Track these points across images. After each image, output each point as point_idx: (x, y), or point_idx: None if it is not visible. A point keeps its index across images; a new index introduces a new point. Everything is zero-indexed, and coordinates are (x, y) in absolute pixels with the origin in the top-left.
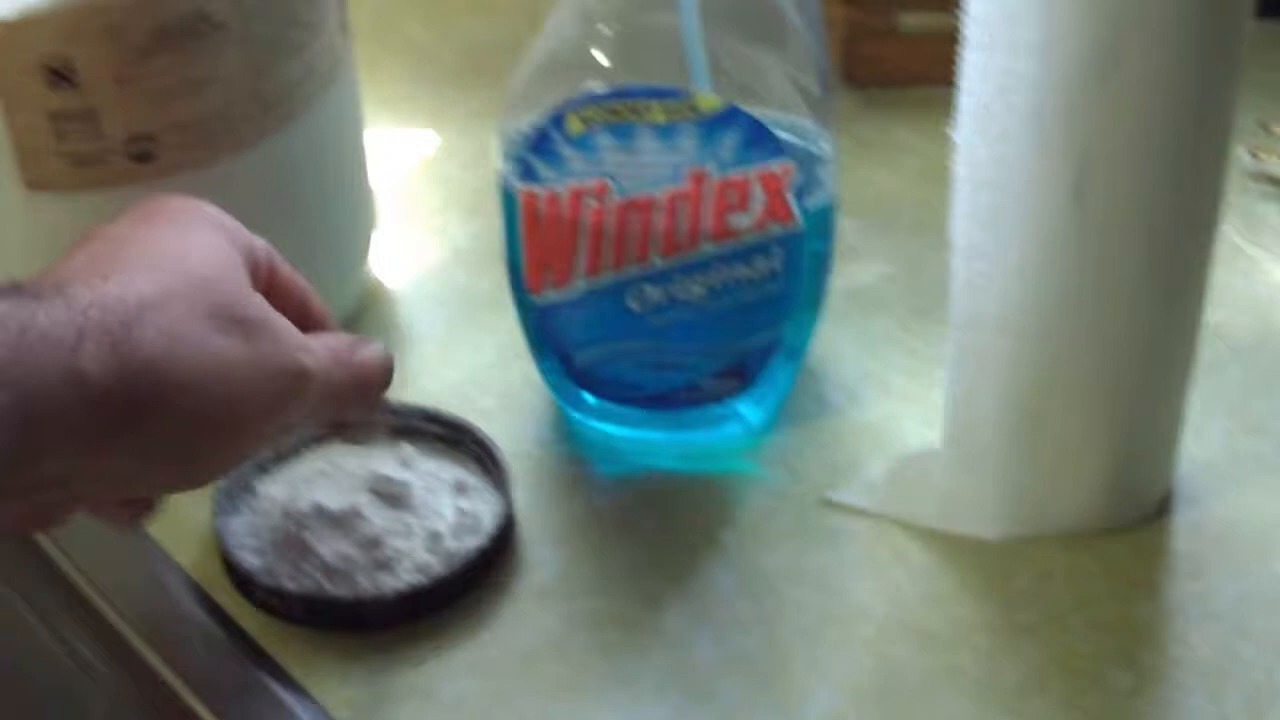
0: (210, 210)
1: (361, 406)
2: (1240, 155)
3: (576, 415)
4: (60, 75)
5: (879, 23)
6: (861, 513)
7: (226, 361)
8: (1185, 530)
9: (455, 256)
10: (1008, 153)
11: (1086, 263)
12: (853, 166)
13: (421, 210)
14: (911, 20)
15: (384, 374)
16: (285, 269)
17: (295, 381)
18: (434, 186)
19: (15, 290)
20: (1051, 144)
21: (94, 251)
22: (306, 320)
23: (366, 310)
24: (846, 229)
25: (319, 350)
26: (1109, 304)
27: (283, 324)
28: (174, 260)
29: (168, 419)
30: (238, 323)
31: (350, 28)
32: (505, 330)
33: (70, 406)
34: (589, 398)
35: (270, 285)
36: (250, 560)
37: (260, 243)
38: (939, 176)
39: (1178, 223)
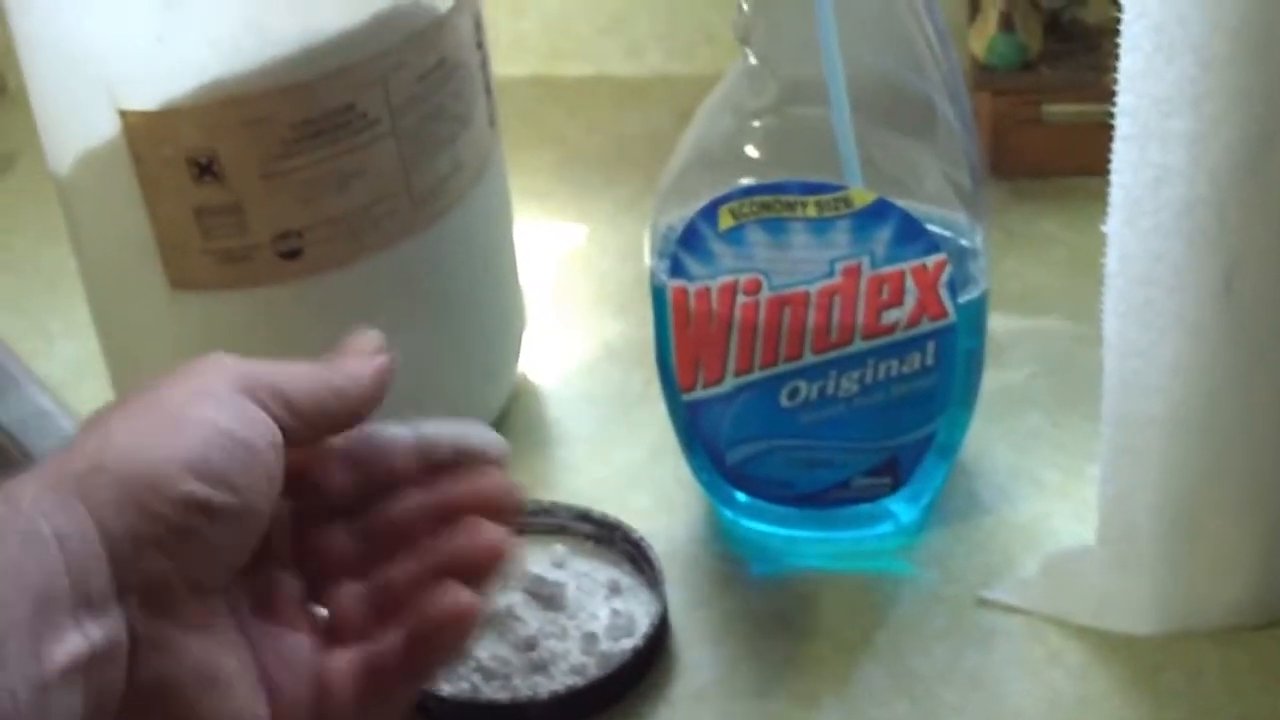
0: (227, 358)
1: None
2: None
3: (728, 513)
4: (204, 169)
5: (1025, 113)
6: (1016, 611)
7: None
8: None
9: (606, 353)
10: (1159, 246)
11: (1239, 357)
12: (999, 259)
13: (571, 306)
14: (1056, 110)
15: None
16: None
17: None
18: (584, 282)
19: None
20: (1203, 237)
21: (98, 422)
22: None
23: (516, 409)
24: (993, 323)
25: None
26: (1262, 397)
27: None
28: (157, 406)
29: (191, 551)
30: (172, 411)
31: (499, 121)
32: (656, 428)
33: (46, 572)
34: (740, 496)
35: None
36: None
37: (264, 389)
38: (1087, 268)
39: None
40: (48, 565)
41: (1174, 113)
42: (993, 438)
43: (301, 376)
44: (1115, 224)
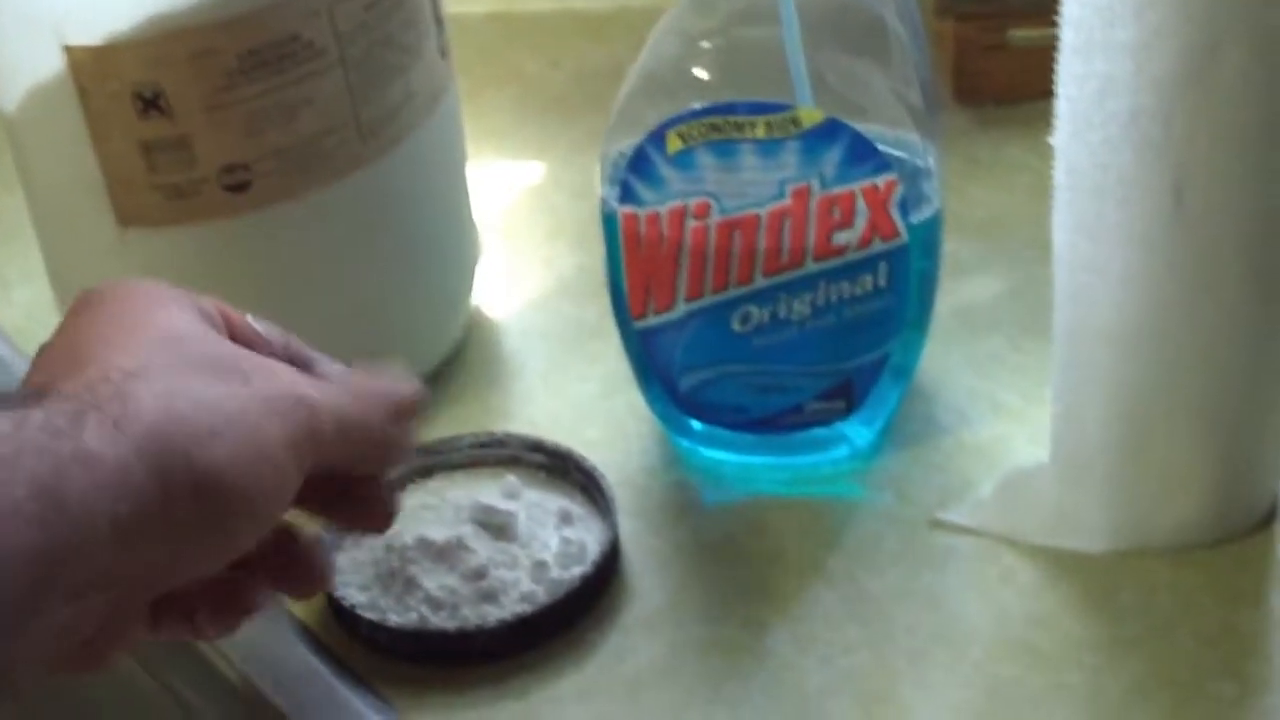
0: (147, 285)
1: (394, 439)
2: None
3: (682, 442)
4: (150, 103)
5: (990, 38)
6: (970, 532)
7: (230, 406)
8: None
9: (561, 287)
10: (1107, 159)
11: (1188, 268)
12: (964, 185)
13: (527, 241)
14: (1021, 35)
15: (413, 401)
16: (249, 324)
17: (305, 412)
18: (540, 217)
19: (63, 411)
20: (1150, 148)
21: (52, 357)
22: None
23: (470, 342)
24: (958, 248)
25: (322, 384)
26: (1212, 310)
27: (273, 363)
28: (139, 333)
29: (186, 483)
30: (227, 369)
31: (451, 52)
32: (610, 360)
33: (87, 493)
34: (694, 424)
35: (234, 339)
36: (354, 596)
37: (208, 304)
38: (1051, 193)
39: (1275, 226)
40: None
41: (1117, 22)
42: (953, 361)
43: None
44: (1062, 137)
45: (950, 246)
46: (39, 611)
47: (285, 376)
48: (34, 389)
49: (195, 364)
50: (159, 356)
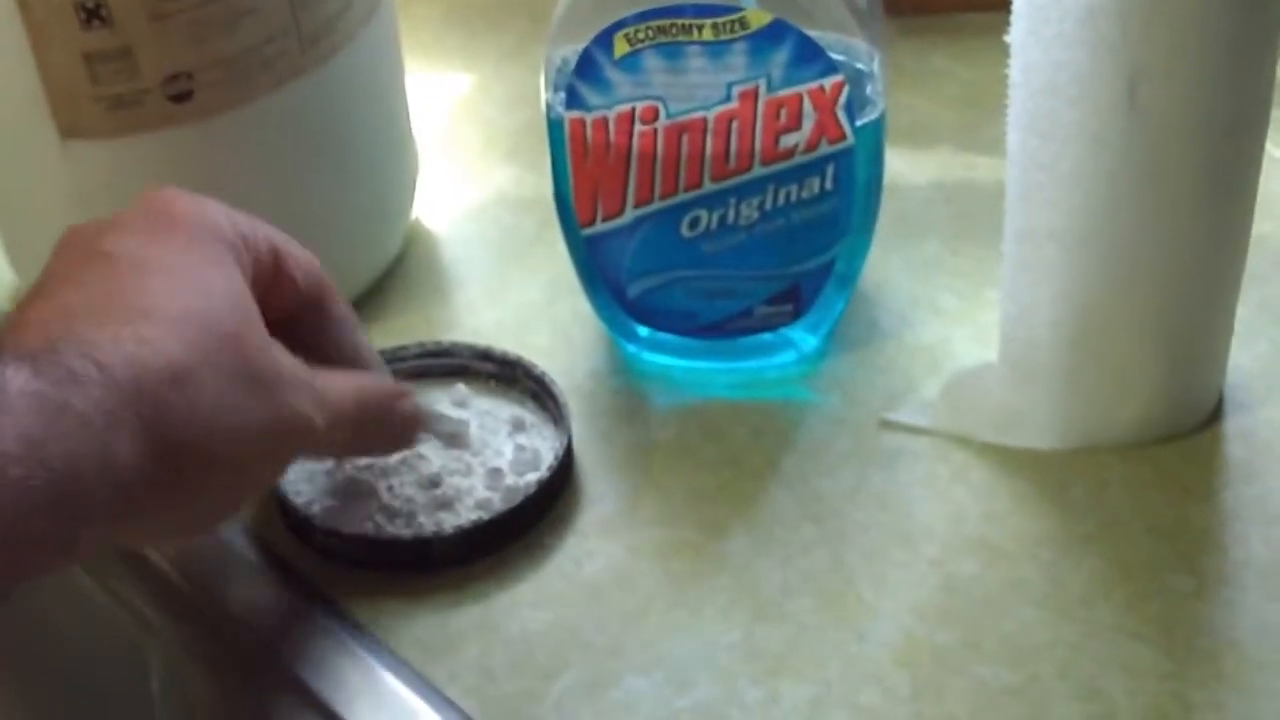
0: (218, 219)
1: (384, 451)
2: None
3: (630, 348)
4: (92, 13)
5: None
6: (919, 432)
7: (252, 426)
8: (1237, 437)
9: (498, 198)
10: (1062, 56)
11: (1140, 168)
12: (894, 93)
13: (462, 153)
14: None
15: (414, 426)
16: (296, 264)
17: (303, 436)
18: (474, 128)
19: (47, 358)
20: (1105, 45)
21: (111, 284)
22: (322, 317)
23: (411, 254)
24: (889, 155)
25: (334, 396)
26: (1163, 210)
27: (296, 373)
28: (200, 313)
29: (195, 491)
30: (259, 380)
31: None
32: (553, 269)
33: (103, 488)
34: (642, 330)
35: (276, 280)
36: (308, 505)
37: (265, 241)
38: (978, 101)
39: (1229, 129)
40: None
41: None
42: (892, 266)
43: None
44: (1018, 33)
45: None
46: (29, 574)
47: (301, 393)
48: (79, 345)
49: (237, 372)
50: (211, 356)
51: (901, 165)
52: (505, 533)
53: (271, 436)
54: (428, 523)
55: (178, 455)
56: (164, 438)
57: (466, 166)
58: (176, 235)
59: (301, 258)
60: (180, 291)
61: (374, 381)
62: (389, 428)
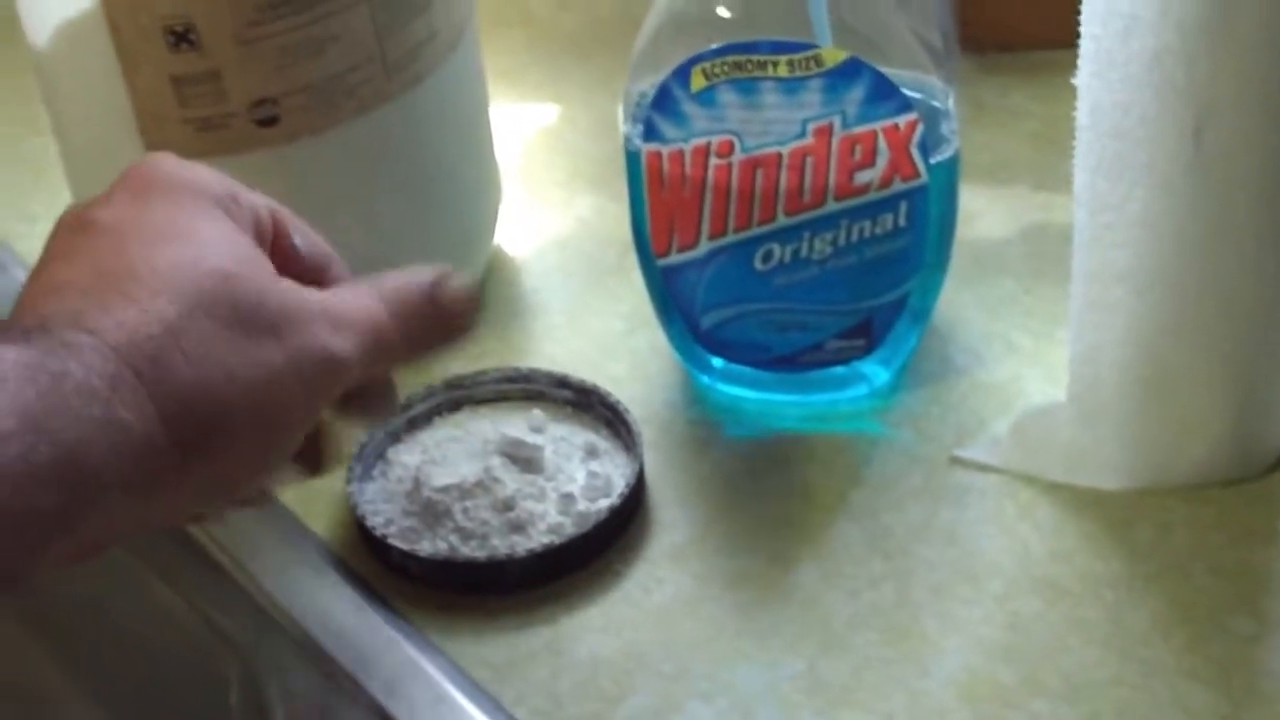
0: (204, 178)
1: (447, 340)
2: None
3: (704, 379)
4: (181, 36)
5: None
6: (988, 469)
7: (263, 371)
8: None
9: (580, 227)
10: (1129, 98)
11: (1207, 210)
12: (970, 131)
13: (546, 182)
14: None
15: (467, 305)
16: (295, 228)
17: (330, 370)
18: (558, 158)
19: (39, 333)
20: (1171, 88)
21: (97, 254)
22: (325, 283)
23: (492, 281)
24: (966, 192)
25: (356, 313)
26: (1229, 252)
27: (305, 304)
28: (189, 261)
29: (216, 450)
30: (267, 322)
31: None
32: (632, 299)
33: (115, 458)
34: (716, 361)
35: (276, 242)
36: (385, 526)
37: (263, 204)
38: (1056, 140)
39: None
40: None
41: None
42: (965, 303)
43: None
44: (1085, 76)
45: (960, 193)
46: (45, 552)
47: (318, 330)
48: (71, 312)
49: (234, 318)
50: (203, 303)
51: (979, 203)
52: (576, 558)
53: (292, 377)
54: (501, 545)
55: (188, 410)
56: (170, 393)
57: (550, 195)
58: (162, 197)
59: (302, 226)
60: (165, 247)
61: (401, 278)
62: (439, 317)
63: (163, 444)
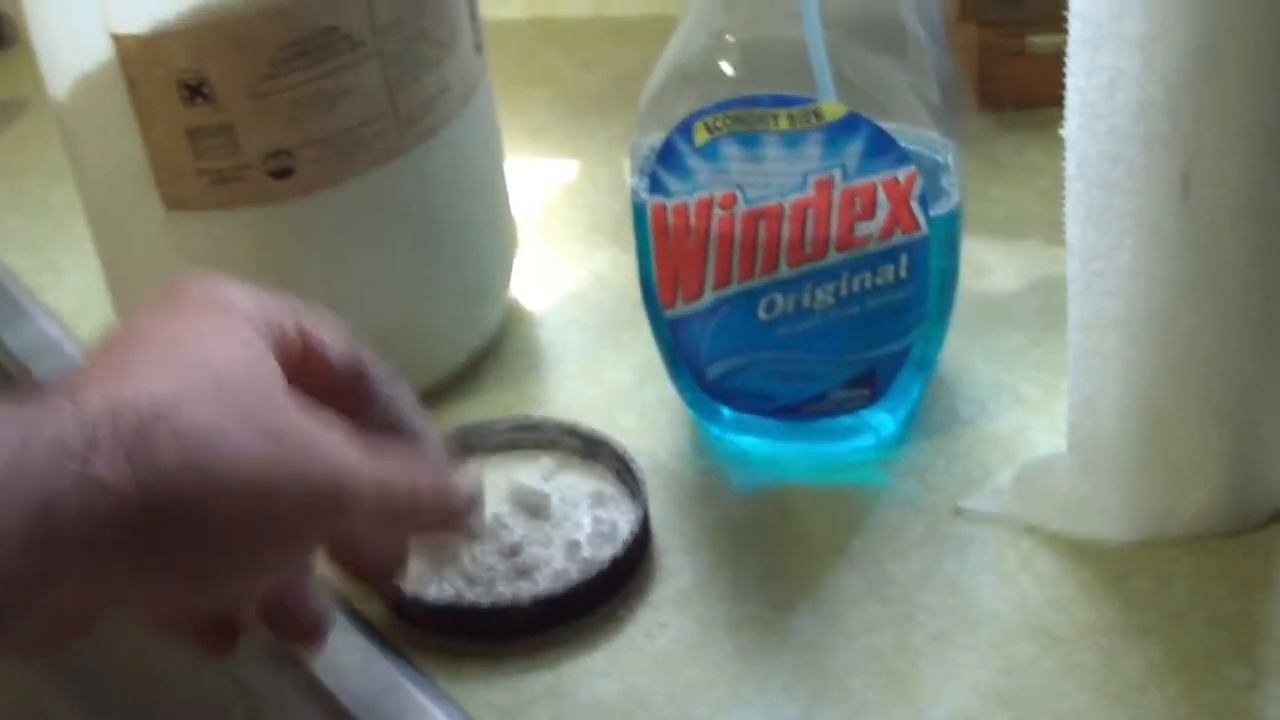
0: (234, 293)
1: (440, 534)
2: None
3: (712, 429)
4: (195, 90)
5: (1011, 44)
6: (991, 519)
7: (252, 468)
8: None
9: (597, 280)
10: (1116, 149)
11: (1196, 258)
12: (986, 186)
13: (564, 236)
14: (1041, 41)
15: (468, 505)
16: (325, 345)
17: (331, 497)
18: (577, 213)
19: (30, 400)
20: (1158, 139)
21: (110, 352)
22: (361, 398)
23: (509, 333)
24: (980, 246)
25: (371, 465)
26: (1220, 301)
27: (320, 429)
28: (193, 358)
29: (195, 534)
30: (266, 427)
31: (486, 48)
32: (644, 351)
33: (86, 517)
34: (723, 410)
35: (305, 359)
36: None
37: (292, 321)
38: None
39: None
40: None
41: (1126, 16)
42: (974, 354)
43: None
44: (1072, 128)
45: (972, 244)
46: (16, 617)
47: (325, 450)
48: (65, 390)
49: (233, 412)
50: (199, 394)
51: (992, 256)
52: (580, 604)
53: (290, 487)
54: (507, 591)
55: (170, 483)
56: (152, 465)
57: (569, 249)
58: (193, 309)
59: (332, 338)
60: (180, 349)
61: (421, 460)
62: (437, 510)
63: (137, 508)
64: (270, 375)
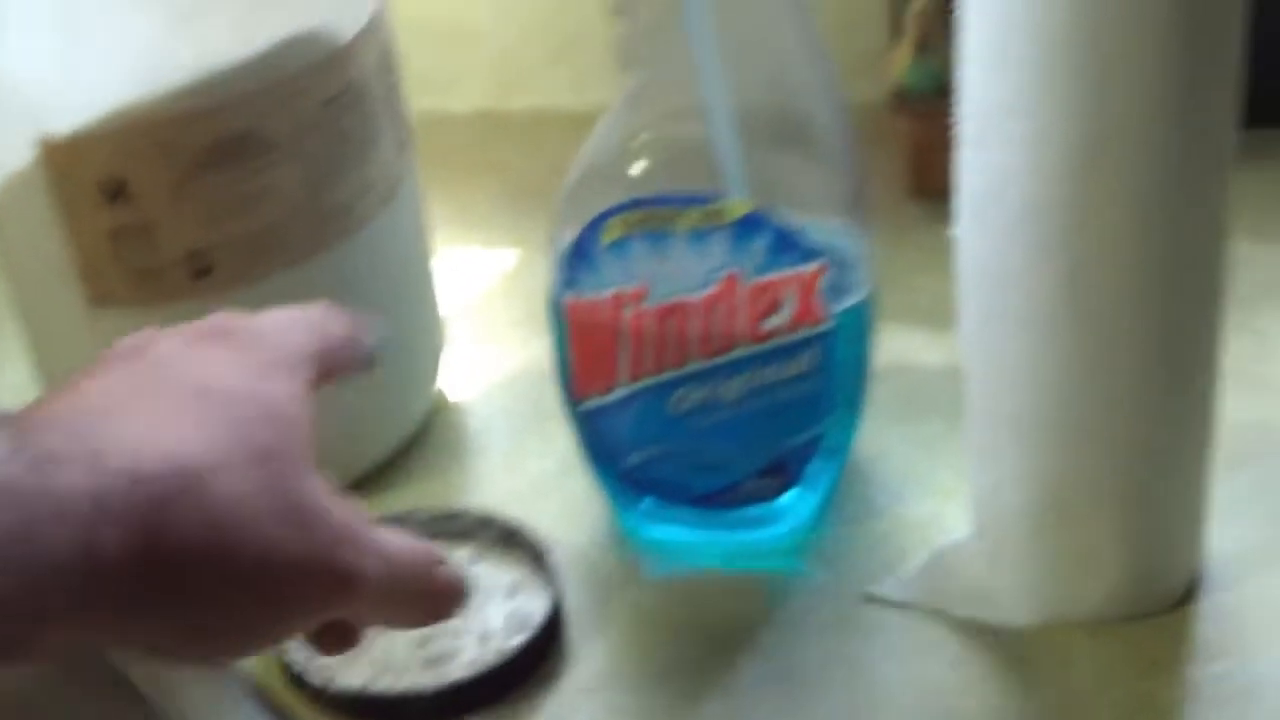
0: (281, 332)
1: (424, 623)
2: None
3: (630, 518)
4: (117, 192)
5: (941, 135)
6: (899, 605)
7: (272, 551)
8: (1210, 615)
9: (528, 371)
10: (1005, 247)
11: (1086, 354)
12: (913, 275)
13: (499, 325)
14: None
15: (457, 597)
16: (346, 365)
17: (343, 588)
18: (513, 302)
19: (29, 438)
20: (1046, 237)
21: (133, 379)
22: None
23: (436, 423)
24: (903, 334)
25: (383, 554)
26: (1112, 394)
27: (344, 515)
28: (228, 418)
29: (196, 603)
30: (294, 510)
31: (411, 146)
32: (568, 441)
33: (78, 582)
34: (639, 501)
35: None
36: (302, 656)
37: (319, 342)
38: None
39: (1174, 313)
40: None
41: (1011, 118)
42: (892, 441)
43: None
44: (962, 227)
45: (897, 332)
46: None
47: (348, 541)
48: (77, 431)
49: (266, 491)
50: (236, 463)
51: (915, 345)
52: (489, 692)
53: (310, 580)
54: (417, 679)
55: (177, 559)
56: (164, 536)
57: (503, 338)
58: (224, 344)
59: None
60: (213, 397)
61: (420, 543)
62: (429, 596)
63: (132, 579)
64: (307, 448)
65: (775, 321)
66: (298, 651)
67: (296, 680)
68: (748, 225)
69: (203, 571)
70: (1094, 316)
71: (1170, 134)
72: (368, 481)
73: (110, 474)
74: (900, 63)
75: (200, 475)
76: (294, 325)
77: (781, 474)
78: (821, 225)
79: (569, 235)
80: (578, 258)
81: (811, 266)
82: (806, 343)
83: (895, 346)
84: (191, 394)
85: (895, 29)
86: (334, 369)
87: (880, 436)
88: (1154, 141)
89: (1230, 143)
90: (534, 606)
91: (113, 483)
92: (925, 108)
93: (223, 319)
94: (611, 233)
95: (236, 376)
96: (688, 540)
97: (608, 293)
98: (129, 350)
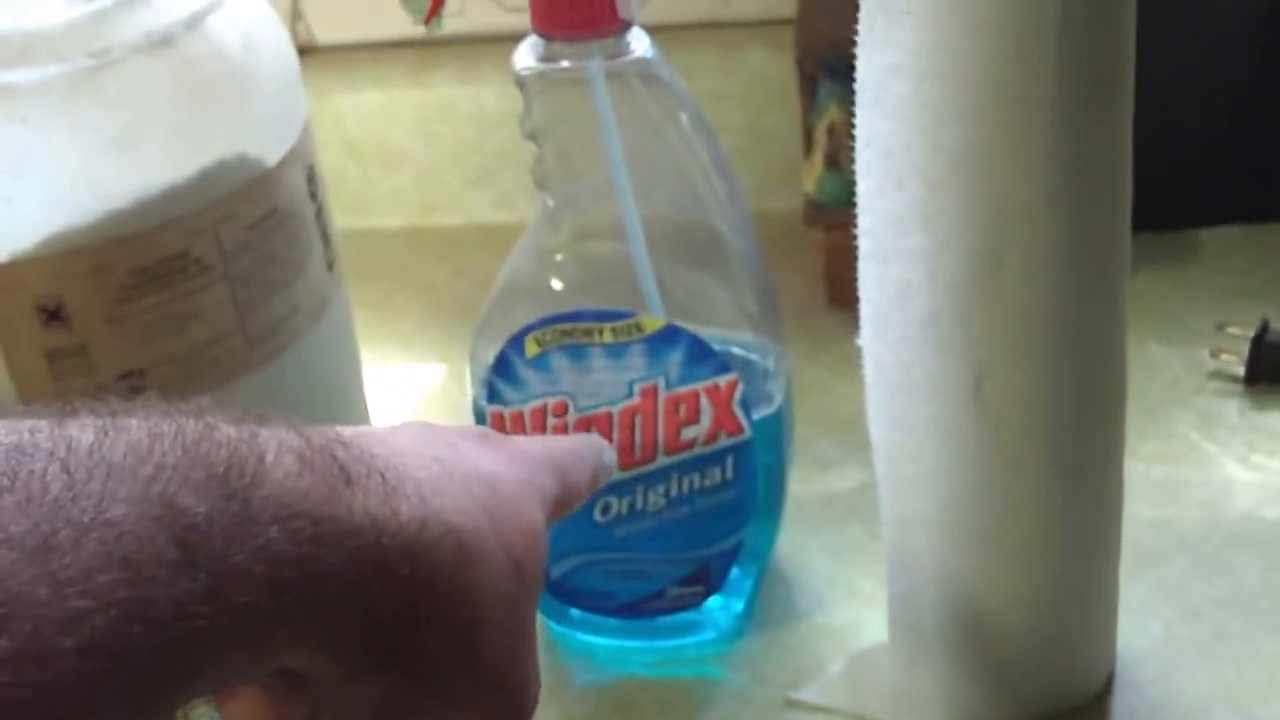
0: (539, 477)
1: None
2: (1201, 357)
3: (558, 627)
4: (53, 314)
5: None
6: (820, 710)
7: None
8: (1121, 713)
9: None
10: (910, 356)
11: (994, 457)
12: (833, 383)
13: None
14: None
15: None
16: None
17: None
18: (440, 418)
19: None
20: (948, 345)
21: (432, 447)
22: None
23: None
24: (824, 442)
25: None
26: (1022, 495)
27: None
28: (505, 512)
29: (416, 661)
30: (520, 635)
31: (340, 265)
32: None
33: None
34: (567, 608)
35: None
36: None
37: (559, 487)
38: None
39: (1077, 417)
40: None
41: (909, 231)
42: (813, 549)
43: None
44: (868, 337)
45: (817, 441)
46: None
47: (527, 699)
48: (386, 481)
49: (510, 614)
50: (490, 558)
51: (835, 452)
52: None
53: (492, 704)
54: None
55: (427, 613)
56: (426, 589)
57: None
58: (506, 455)
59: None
60: (490, 500)
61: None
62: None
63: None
64: (541, 562)
65: (694, 431)
66: None
67: None
68: (664, 338)
69: (440, 628)
70: (999, 421)
71: (1065, 239)
72: None
73: (405, 518)
74: (813, 175)
75: (472, 551)
76: (559, 457)
77: (704, 581)
78: (734, 338)
79: (492, 350)
80: (500, 372)
81: (726, 378)
82: (725, 452)
83: (813, 454)
84: (476, 481)
85: (808, 142)
86: (569, 506)
87: (800, 543)
88: (1050, 248)
89: (1125, 245)
90: None
91: (403, 524)
92: (838, 219)
93: (488, 431)
94: (533, 347)
95: (510, 485)
96: (616, 647)
97: (531, 405)
98: (425, 425)
